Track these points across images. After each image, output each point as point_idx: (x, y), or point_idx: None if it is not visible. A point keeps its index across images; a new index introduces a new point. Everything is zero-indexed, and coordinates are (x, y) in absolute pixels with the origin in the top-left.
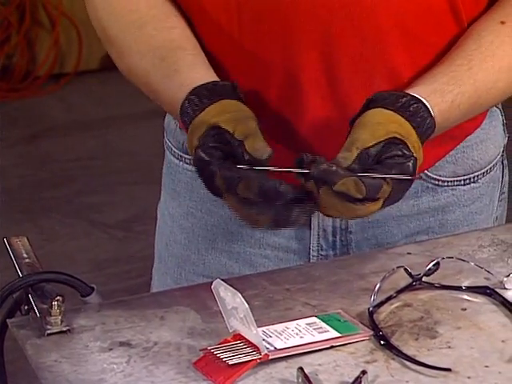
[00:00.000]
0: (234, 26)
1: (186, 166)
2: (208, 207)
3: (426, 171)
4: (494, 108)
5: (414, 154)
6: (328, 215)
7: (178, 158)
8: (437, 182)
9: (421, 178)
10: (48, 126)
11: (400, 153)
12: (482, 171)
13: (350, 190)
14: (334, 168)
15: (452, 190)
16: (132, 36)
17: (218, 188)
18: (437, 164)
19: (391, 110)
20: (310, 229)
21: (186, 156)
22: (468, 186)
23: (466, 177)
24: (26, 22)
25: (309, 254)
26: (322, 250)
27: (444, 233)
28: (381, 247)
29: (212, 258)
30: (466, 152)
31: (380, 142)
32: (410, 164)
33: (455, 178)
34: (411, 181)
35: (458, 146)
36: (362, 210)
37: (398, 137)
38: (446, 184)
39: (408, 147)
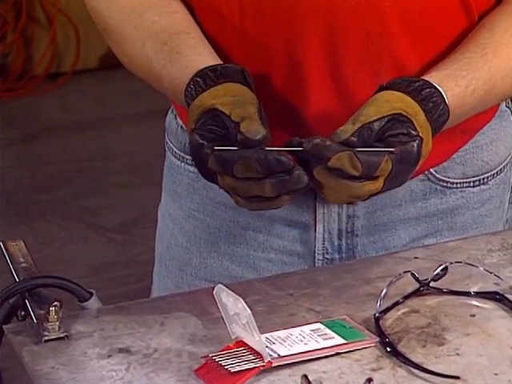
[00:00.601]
0: (236, 12)
1: (187, 167)
2: (210, 209)
3: (434, 172)
4: (505, 108)
5: (420, 134)
6: (326, 198)
7: (179, 159)
8: (445, 184)
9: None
10: (45, 127)
11: (405, 131)
12: (492, 173)
13: (345, 165)
14: (327, 143)
15: (461, 191)
16: (133, 23)
17: (212, 172)
18: (445, 165)
19: (402, 91)
20: (315, 232)
21: (188, 157)
22: (477, 187)
23: (475, 178)
24: (23, 19)
25: (314, 257)
26: (327, 253)
27: (453, 236)
28: (388, 251)
29: (214, 262)
30: (475, 153)
31: (384, 117)
32: (415, 144)
33: (464, 180)
34: (416, 162)
35: (467, 147)
36: (358, 187)
37: (404, 113)
38: (454, 186)
39: (414, 126)
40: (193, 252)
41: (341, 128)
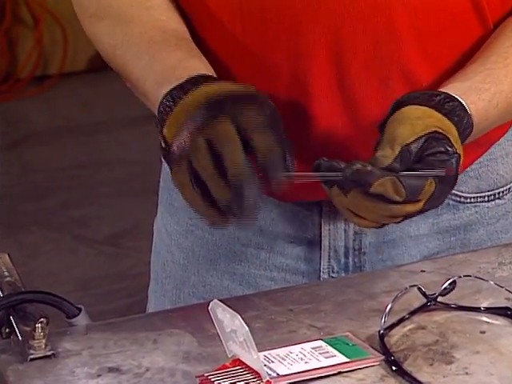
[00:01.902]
0: (237, 25)
1: None
2: None
3: None
4: None
5: (458, 151)
6: (353, 220)
7: None
8: (458, 199)
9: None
10: (31, 133)
11: (443, 149)
12: (508, 186)
13: (388, 191)
14: (369, 168)
15: (475, 206)
16: (137, 10)
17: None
18: (458, 179)
19: (427, 106)
20: (320, 249)
21: None
22: (492, 202)
23: (490, 193)
24: (7, 19)
25: (319, 276)
26: (333, 271)
27: None
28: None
29: (213, 280)
30: (490, 166)
31: (421, 137)
32: (454, 161)
33: (478, 194)
34: (455, 180)
35: (481, 159)
36: (398, 209)
37: (440, 131)
38: (468, 200)
39: (451, 143)
40: (191, 270)
41: (380, 153)
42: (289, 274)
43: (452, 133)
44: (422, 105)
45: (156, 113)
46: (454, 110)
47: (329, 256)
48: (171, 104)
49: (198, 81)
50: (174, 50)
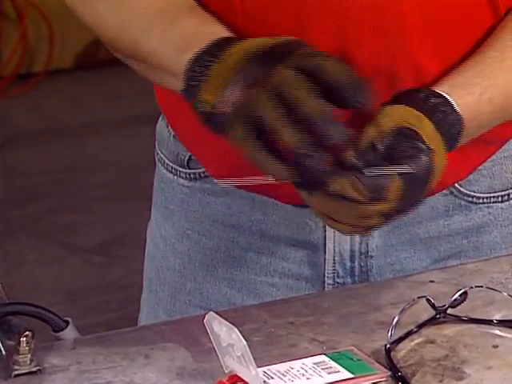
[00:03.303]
0: (238, 14)
1: (181, 180)
2: (206, 228)
3: (457, 186)
4: None
5: (430, 146)
6: (334, 226)
7: (171, 172)
8: (471, 199)
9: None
10: (14, 134)
11: (412, 145)
12: None
13: (347, 190)
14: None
15: (488, 207)
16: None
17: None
18: (470, 178)
19: (406, 104)
20: (325, 253)
21: (181, 169)
22: (506, 203)
23: (504, 192)
24: None
25: (323, 281)
26: (338, 277)
27: (479, 257)
28: (406, 274)
29: (211, 287)
30: (504, 164)
31: (387, 134)
32: (426, 157)
33: (492, 194)
34: (429, 177)
35: (494, 157)
36: (366, 209)
37: (408, 126)
38: (481, 201)
39: (422, 138)
40: (187, 276)
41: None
42: (291, 279)
43: (426, 128)
44: (402, 103)
45: (181, 82)
46: (437, 105)
47: (334, 260)
48: (202, 69)
49: (227, 42)
50: (189, 16)
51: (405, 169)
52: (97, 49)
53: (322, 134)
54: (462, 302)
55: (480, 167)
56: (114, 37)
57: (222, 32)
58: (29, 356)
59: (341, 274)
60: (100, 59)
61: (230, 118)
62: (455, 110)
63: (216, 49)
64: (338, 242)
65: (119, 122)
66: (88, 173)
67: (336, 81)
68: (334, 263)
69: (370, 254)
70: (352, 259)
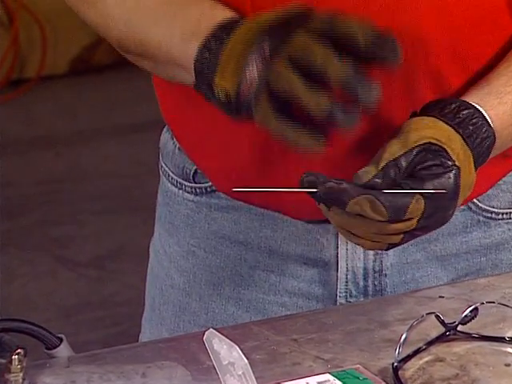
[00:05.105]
0: (247, 5)
1: (186, 195)
2: (213, 245)
3: (476, 201)
4: None
5: (457, 163)
6: (353, 241)
7: (176, 186)
8: (489, 215)
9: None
10: (5, 142)
11: (438, 162)
12: None
13: (366, 210)
14: (343, 185)
15: (507, 223)
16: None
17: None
18: (489, 192)
19: (434, 116)
20: (337, 271)
21: (187, 183)
22: None
23: None
24: None
25: (335, 301)
26: (350, 296)
27: None
28: (415, 289)
29: (216, 307)
30: None
31: (411, 150)
32: (451, 175)
33: (511, 210)
34: (454, 196)
35: None
36: (385, 227)
37: (435, 142)
38: (500, 217)
39: (448, 155)
40: (192, 295)
41: (363, 169)
42: (301, 299)
43: (454, 144)
44: (430, 115)
45: (192, 74)
46: (469, 118)
47: (346, 279)
48: (210, 56)
49: (234, 22)
50: (195, 3)
51: (427, 189)
52: (92, 54)
53: (352, 96)
54: (473, 318)
55: (500, 182)
56: (121, 36)
57: (230, 14)
58: (21, 375)
59: (354, 293)
60: (95, 64)
61: (253, 100)
62: (487, 122)
63: (224, 31)
64: (350, 260)
65: (114, 130)
66: (81, 183)
67: (360, 41)
68: (347, 282)
69: (384, 272)
70: (365, 277)
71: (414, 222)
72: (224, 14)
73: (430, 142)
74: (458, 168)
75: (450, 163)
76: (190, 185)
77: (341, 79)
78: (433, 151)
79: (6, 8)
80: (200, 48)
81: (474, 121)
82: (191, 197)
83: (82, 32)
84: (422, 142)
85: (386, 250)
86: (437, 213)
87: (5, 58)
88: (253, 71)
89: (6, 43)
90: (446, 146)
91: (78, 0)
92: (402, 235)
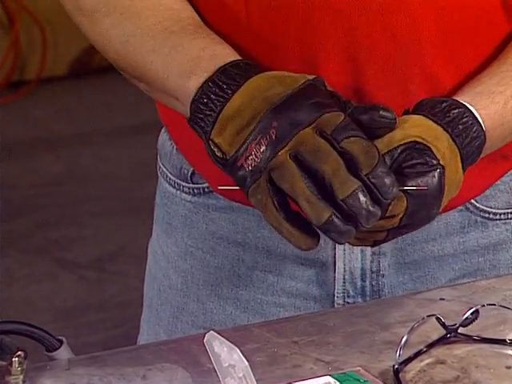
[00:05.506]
0: (242, 7)
1: (184, 195)
2: (210, 245)
3: (473, 201)
4: None
5: (441, 162)
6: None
7: (174, 187)
8: (487, 215)
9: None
10: (4, 145)
11: (422, 160)
12: None
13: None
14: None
15: (505, 224)
16: (148, 1)
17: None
18: (487, 193)
19: (424, 115)
20: (335, 272)
21: (184, 184)
22: None
23: None
24: None
25: (333, 301)
26: (348, 296)
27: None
28: (415, 291)
29: (215, 307)
30: None
31: (396, 148)
32: (436, 173)
33: (509, 210)
34: (438, 194)
35: None
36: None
37: (420, 141)
38: (498, 217)
39: (433, 154)
40: (190, 296)
41: None
42: (299, 299)
43: (439, 143)
44: (420, 113)
45: (188, 110)
46: (459, 117)
47: (344, 279)
48: (210, 104)
49: (233, 70)
50: (195, 37)
51: (409, 186)
52: (92, 56)
53: (356, 216)
54: (474, 320)
55: (497, 182)
56: (118, 57)
57: (230, 54)
58: (21, 377)
59: (351, 293)
60: (95, 67)
61: (249, 177)
62: (478, 121)
63: (223, 78)
64: (348, 260)
65: (114, 131)
66: (81, 185)
67: (359, 161)
68: (344, 282)
69: (381, 272)
70: (363, 278)
71: (397, 219)
72: (225, 52)
73: (415, 141)
74: (443, 167)
75: (434, 162)
76: (188, 185)
77: (346, 199)
78: (418, 150)
79: (6, 10)
80: (199, 90)
81: (464, 120)
82: (189, 197)
83: (82, 34)
84: (407, 141)
85: (372, 246)
86: (421, 211)
87: (5, 60)
88: (256, 149)
89: (6, 45)
90: (431, 145)
91: (77, 14)
92: (385, 232)
